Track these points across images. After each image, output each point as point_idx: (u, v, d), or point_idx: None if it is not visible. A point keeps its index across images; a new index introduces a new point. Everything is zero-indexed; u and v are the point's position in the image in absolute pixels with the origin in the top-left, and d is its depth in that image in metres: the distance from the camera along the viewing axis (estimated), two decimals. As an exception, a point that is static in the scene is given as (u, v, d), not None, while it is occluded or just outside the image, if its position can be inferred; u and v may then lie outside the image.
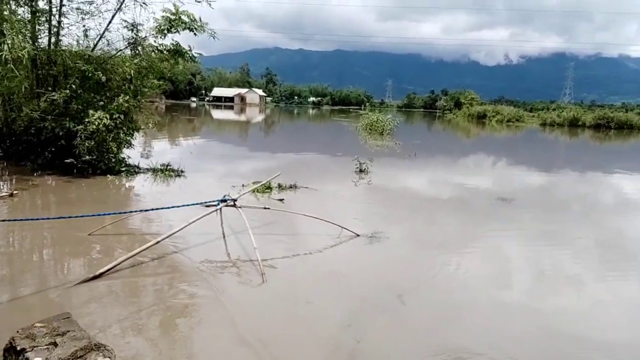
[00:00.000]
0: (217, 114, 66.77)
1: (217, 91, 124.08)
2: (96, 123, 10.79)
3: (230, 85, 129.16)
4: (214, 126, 41.67)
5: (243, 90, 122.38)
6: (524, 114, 71.08)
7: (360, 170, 14.14)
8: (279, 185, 11.10)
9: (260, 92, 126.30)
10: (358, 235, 7.58)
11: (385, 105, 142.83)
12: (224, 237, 7.28)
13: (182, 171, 12.37)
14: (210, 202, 7.24)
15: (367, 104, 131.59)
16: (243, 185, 10.99)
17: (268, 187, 10.77)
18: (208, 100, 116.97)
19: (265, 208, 7.83)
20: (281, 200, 9.93)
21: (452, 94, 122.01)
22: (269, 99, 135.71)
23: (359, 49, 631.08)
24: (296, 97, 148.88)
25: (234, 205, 7.12)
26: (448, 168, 18.45)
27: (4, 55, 9.06)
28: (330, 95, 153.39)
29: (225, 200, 7.09)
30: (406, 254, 7.19)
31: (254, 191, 10.41)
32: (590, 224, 10.06)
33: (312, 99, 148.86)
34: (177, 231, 6.17)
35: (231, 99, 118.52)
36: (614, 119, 57.11)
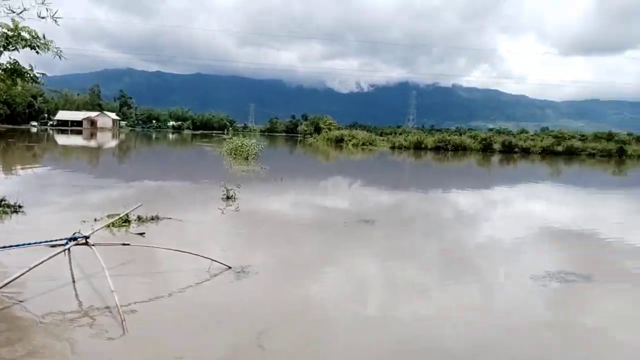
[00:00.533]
0: (62, 139, 60.36)
1: (63, 114, 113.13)
2: None
3: (78, 108, 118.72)
4: (59, 153, 37.52)
5: (93, 114, 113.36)
6: (376, 138, 76.79)
7: (228, 197, 13.81)
8: (139, 218, 10.27)
9: (113, 115, 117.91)
10: (229, 267, 7.27)
11: (249, 130, 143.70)
12: (73, 281, 6.42)
13: (19, 206, 10.79)
14: (56, 240, 6.37)
15: (230, 128, 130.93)
16: (96, 220, 9.95)
17: (126, 221, 9.88)
18: (52, 125, 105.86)
19: (124, 244, 7.06)
20: (142, 234, 9.16)
21: (311, 119, 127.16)
22: (123, 123, 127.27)
23: (221, 73, 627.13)
24: (154, 121, 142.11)
25: (86, 244, 6.35)
26: (312, 190, 18.99)
27: None
28: (191, 120, 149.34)
29: (75, 239, 6.29)
30: (273, 285, 7.04)
31: (109, 226, 9.47)
32: (433, 238, 11.14)
33: (172, 123, 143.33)
34: (14, 279, 5.22)
35: (79, 123, 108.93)
36: (451, 141, 64.60)
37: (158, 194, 15.47)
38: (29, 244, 6.20)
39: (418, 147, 64.64)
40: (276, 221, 11.84)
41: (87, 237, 6.41)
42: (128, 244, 7.07)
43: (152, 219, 10.43)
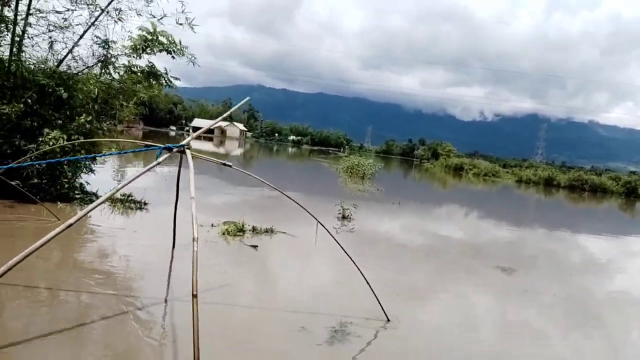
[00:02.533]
0: (195, 144, 65.34)
1: (198, 122, 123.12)
2: (51, 143, 9.53)
3: (211, 118, 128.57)
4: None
5: (224, 124, 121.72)
6: (499, 170, 71.84)
7: (343, 217, 13.08)
8: (253, 229, 9.90)
9: (241, 126, 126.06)
10: (389, 321, 6.08)
11: (365, 150, 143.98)
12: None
13: (145, 203, 11.08)
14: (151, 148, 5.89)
15: (347, 146, 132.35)
16: (212, 225, 9.76)
17: (240, 230, 9.56)
18: (187, 130, 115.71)
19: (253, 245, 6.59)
20: (254, 247, 8.71)
21: (430, 144, 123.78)
22: (249, 133, 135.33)
23: (342, 94, 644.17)
24: (277, 135, 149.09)
25: (183, 152, 5.66)
26: (429, 217, 17.59)
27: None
28: (310, 135, 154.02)
29: (170, 148, 5.65)
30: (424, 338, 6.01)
31: (223, 233, 9.23)
32: (557, 281, 9.71)
33: (292, 137, 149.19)
34: (125, 184, 5.00)
35: (211, 131, 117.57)
36: (588, 181, 57.93)
37: (274, 204, 15.30)
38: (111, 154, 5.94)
39: (549, 184, 59.00)
40: (397, 247, 10.85)
41: (185, 146, 5.75)
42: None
43: (267, 231, 10.01)
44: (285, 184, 22.47)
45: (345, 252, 5.77)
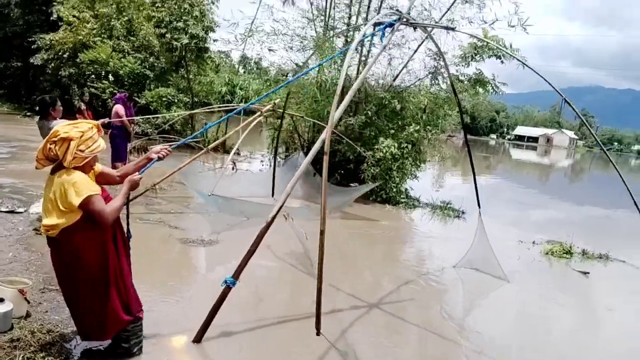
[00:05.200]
0: (516, 153, 62.50)
1: (521, 130, 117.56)
2: (384, 151, 10.66)
3: (536, 125, 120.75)
4: (511, 166, 38.68)
5: (550, 131, 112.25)
6: None
7: None
8: (583, 252, 8.56)
9: (570, 134, 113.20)
10: None
11: None
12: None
13: (462, 212, 11.12)
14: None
15: None
16: (534, 243, 8.92)
17: (567, 252, 8.42)
18: (509, 139, 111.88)
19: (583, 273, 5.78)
20: (585, 273, 7.50)
21: None
22: (580, 142, 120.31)
23: None
24: (616, 144, 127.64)
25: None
26: None
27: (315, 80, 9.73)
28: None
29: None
30: None
31: (547, 253, 8.32)
32: None
33: (637, 147, 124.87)
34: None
35: (535, 139, 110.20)
36: None
37: (609, 225, 12.99)
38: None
39: None
40: None
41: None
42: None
43: (600, 257, 8.50)
44: (625, 205, 18.78)
45: None
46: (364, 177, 10.96)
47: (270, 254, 6.37)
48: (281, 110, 10.37)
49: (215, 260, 6.34)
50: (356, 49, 12.35)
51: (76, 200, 2.87)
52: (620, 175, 3.18)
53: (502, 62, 10.84)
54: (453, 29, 7.02)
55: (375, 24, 4.90)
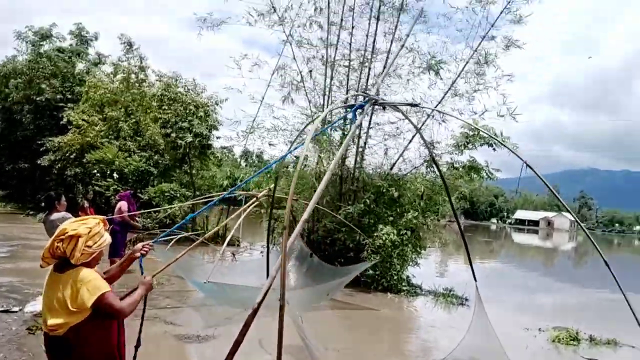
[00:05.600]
0: (518, 237, 62.19)
1: (521, 214, 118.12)
2: (383, 238, 10.69)
3: (536, 208, 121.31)
4: (514, 251, 38.33)
5: (550, 214, 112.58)
6: None
7: None
8: (591, 338, 8.26)
9: (570, 216, 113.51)
10: None
11: None
12: None
13: (466, 299, 10.88)
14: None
15: None
16: (540, 330, 8.65)
17: (574, 338, 8.14)
18: (510, 223, 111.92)
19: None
20: (594, 361, 7.21)
21: None
22: (582, 224, 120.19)
23: None
24: (617, 225, 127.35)
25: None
26: None
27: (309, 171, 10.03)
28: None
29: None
30: None
31: (554, 340, 8.05)
32: None
33: (639, 227, 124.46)
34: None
35: (536, 223, 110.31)
36: None
37: (617, 309, 12.62)
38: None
39: None
40: None
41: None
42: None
43: (608, 342, 8.19)
44: (633, 285, 18.38)
45: None
46: (364, 265, 10.89)
47: (263, 350, 6.17)
48: (278, 197, 10.58)
49: (210, 356, 6.14)
50: (352, 141, 12.87)
51: (89, 301, 2.83)
52: (603, 257, 3.20)
53: (494, 149, 11.27)
54: (417, 105, 7.34)
55: (348, 106, 5.18)
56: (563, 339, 8.03)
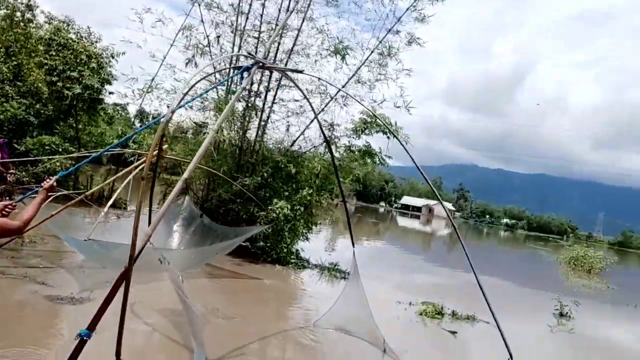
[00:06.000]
0: (402, 221, 66.59)
1: (407, 199, 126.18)
2: (277, 211, 10.93)
3: (420, 196, 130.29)
4: (398, 233, 41.08)
5: (432, 202, 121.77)
6: None
7: (561, 314, 11.38)
8: (453, 313, 9.34)
9: (449, 206, 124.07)
10: None
11: (594, 240, 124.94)
12: None
13: (348, 273, 11.57)
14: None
15: (571, 234, 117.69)
16: (410, 304, 9.57)
17: (439, 312, 9.14)
18: (396, 207, 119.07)
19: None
20: (453, 332, 8.19)
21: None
22: (457, 214, 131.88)
23: (567, 176, 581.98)
24: (487, 217, 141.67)
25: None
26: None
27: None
28: (527, 220, 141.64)
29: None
30: None
31: (421, 314, 8.96)
32: None
33: (505, 220, 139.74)
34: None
35: (419, 209, 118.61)
36: None
37: (479, 290, 14.28)
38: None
39: None
40: (623, 357, 8.89)
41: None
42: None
43: (468, 318, 9.33)
44: (492, 270, 20.87)
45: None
46: (255, 237, 11.07)
47: (146, 313, 6.11)
48: (170, 158, 10.30)
49: (84, 319, 5.91)
50: (256, 114, 12.83)
51: None
52: (463, 245, 3.68)
53: (388, 137, 11.99)
54: (301, 72, 7.53)
55: (235, 68, 5.17)
56: (429, 312, 8.98)
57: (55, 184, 3.57)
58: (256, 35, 12.46)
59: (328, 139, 12.61)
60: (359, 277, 6.65)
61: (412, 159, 4.21)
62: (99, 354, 3.93)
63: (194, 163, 3.74)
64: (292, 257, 11.75)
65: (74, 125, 17.59)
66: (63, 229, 8.16)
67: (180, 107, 8.67)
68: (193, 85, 7.07)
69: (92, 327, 3.49)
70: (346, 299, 6.94)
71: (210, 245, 8.55)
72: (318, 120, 8.45)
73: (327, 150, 12.77)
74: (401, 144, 4.48)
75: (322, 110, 12.80)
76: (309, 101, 7.97)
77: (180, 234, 9.75)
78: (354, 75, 12.61)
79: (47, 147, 16.16)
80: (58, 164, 14.66)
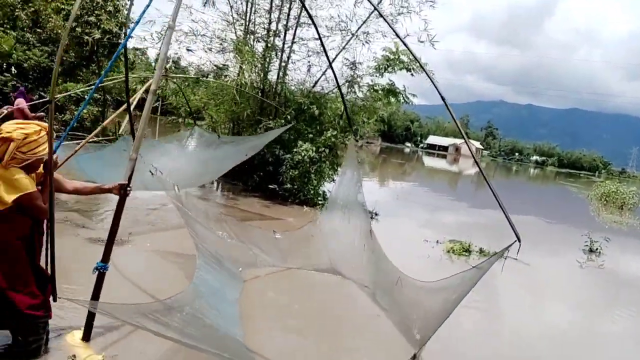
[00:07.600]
0: (428, 161, 66.00)
1: (432, 139, 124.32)
2: (302, 154, 10.91)
3: (446, 135, 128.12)
4: (424, 173, 40.84)
5: (459, 141, 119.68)
6: None
7: (591, 250, 11.29)
8: (481, 250, 9.35)
9: (477, 144, 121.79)
10: None
11: (627, 175, 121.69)
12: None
13: (376, 213, 11.64)
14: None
15: (603, 170, 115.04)
16: (438, 242, 9.62)
17: (466, 250, 9.18)
18: (422, 147, 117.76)
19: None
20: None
21: None
22: (486, 152, 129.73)
23: (600, 110, 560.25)
24: (517, 154, 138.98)
25: None
26: None
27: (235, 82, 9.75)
28: (557, 156, 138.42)
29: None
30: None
31: (448, 251, 9.01)
32: None
33: (535, 157, 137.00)
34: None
35: (445, 148, 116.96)
36: None
37: (508, 227, 14.23)
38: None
39: None
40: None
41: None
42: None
43: (495, 255, 9.33)
44: (520, 207, 20.65)
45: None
46: (282, 179, 11.14)
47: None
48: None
49: (125, 260, 6.13)
50: (277, 55, 12.53)
51: (9, 198, 2.84)
52: (488, 183, 3.55)
53: (412, 74, 11.56)
54: None
55: None
56: (457, 250, 9.00)
57: (130, 188, 3.56)
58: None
59: (351, 77, 12.31)
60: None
61: (441, 95, 4.00)
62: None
63: (157, 74, 3.73)
64: (319, 198, 11.82)
65: (97, 71, 17.59)
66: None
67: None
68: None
69: (106, 259, 3.61)
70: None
71: (237, 148, 8.68)
72: (330, 65, 8.03)
73: (349, 90, 12.49)
74: (430, 78, 4.22)
75: (344, 48, 12.39)
76: (321, 41, 7.67)
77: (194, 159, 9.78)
78: (375, 9, 12.03)
79: (72, 96, 16.29)
80: (86, 112, 14.83)
